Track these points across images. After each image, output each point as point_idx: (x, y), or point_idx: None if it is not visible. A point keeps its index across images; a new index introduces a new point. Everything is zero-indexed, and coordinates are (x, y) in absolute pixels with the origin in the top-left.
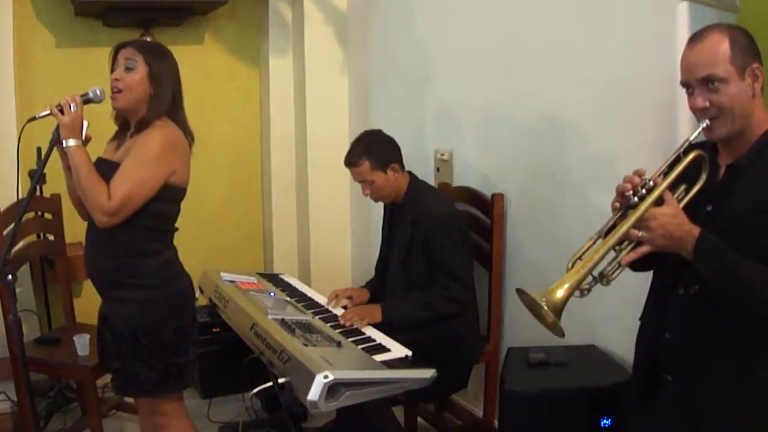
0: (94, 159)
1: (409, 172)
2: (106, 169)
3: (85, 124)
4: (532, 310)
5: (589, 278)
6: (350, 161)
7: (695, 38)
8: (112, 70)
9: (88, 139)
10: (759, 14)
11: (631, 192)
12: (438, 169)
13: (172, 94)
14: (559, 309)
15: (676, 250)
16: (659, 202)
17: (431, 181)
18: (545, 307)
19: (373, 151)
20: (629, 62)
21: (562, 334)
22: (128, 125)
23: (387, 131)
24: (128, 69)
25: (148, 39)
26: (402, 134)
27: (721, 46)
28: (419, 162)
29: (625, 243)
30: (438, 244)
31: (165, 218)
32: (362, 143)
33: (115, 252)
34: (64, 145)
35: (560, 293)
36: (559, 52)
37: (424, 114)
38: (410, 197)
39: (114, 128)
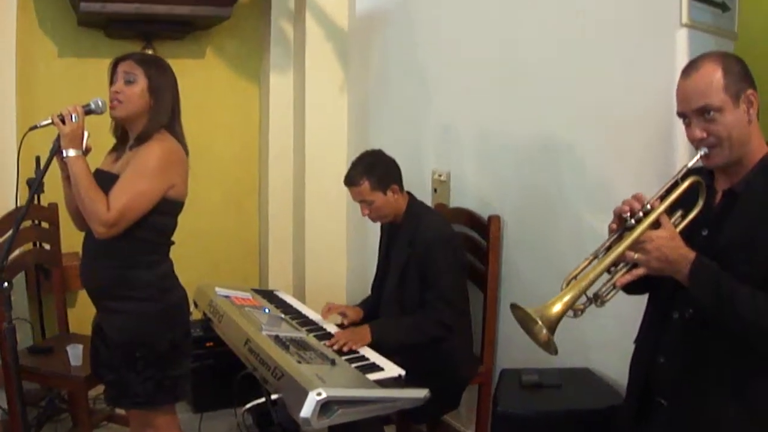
0: (92, 170)
1: (408, 193)
2: (104, 180)
3: (86, 134)
4: (525, 327)
5: (584, 298)
6: (350, 181)
7: (689, 69)
8: (111, 83)
9: (88, 150)
10: (756, 41)
11: (628, 214)
12: (435, 190)
13: (171, 107)
14: (553, 325)
15: (671, 274)
16: (656, 225)
17: (428, 202)
18: (539, 322)
19: (373, 171)
20: (628, 87)
21: (555, 352)
22: (127, 138)
23: (385, 151)
24: (128, 82)
25: (149, 52)
26: (400, 154)
27: (714, 75)
28: (416, 183)
29: (621, 265)
30: (433, 265)
31: (162, 231)
32: (363, 163)
33: (111, 263)
34: (64, 154)
35: (555, 309)
36: (557, 76)
37: (422, 135)
38: (409, 218)
39: (109, 138)
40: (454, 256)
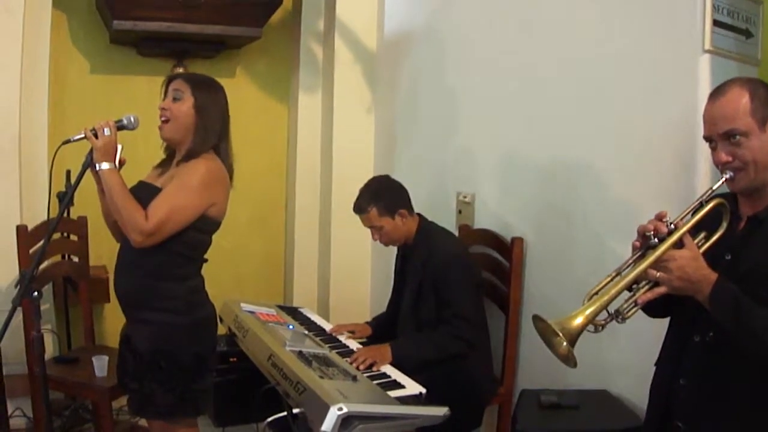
0: (130, 183)
1: (419, 214)
2: (147, 192)
3: (119, 148)
4: (546, 339)
5: (605, 314)
6: (358, 208)
7: (716, 93)
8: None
9: (122, 163)
10: None
11: (652, 233)
12: (460, 211)
13: (218, 128)
14: (573, 338)
15: (692, 294)
16: (679, 245)
17: (452, 223)
18: (560, 335)
19: (380, 197)
20: (650, 112)
21: (574, 365)
22: (175, 153)
23: (411, 172)
24: (175, 99)
25: (180, 70)
26: (425, 175)
27: (741, 100)
28: (441, 204)
29: (643, 283)
30: (446, 284)
31: (196, 247)
32: (370, 190)
33: (143, 274)
34: (97, 168)
35: (576, 322)
36: (581, 100)
37: (448, 156)
38: (420, 239)
39: (143, 153)
40: (467, 274)
